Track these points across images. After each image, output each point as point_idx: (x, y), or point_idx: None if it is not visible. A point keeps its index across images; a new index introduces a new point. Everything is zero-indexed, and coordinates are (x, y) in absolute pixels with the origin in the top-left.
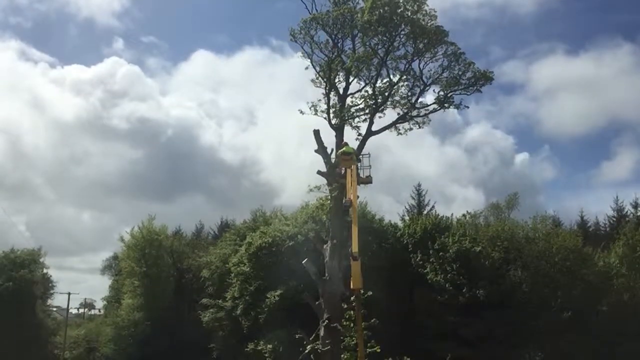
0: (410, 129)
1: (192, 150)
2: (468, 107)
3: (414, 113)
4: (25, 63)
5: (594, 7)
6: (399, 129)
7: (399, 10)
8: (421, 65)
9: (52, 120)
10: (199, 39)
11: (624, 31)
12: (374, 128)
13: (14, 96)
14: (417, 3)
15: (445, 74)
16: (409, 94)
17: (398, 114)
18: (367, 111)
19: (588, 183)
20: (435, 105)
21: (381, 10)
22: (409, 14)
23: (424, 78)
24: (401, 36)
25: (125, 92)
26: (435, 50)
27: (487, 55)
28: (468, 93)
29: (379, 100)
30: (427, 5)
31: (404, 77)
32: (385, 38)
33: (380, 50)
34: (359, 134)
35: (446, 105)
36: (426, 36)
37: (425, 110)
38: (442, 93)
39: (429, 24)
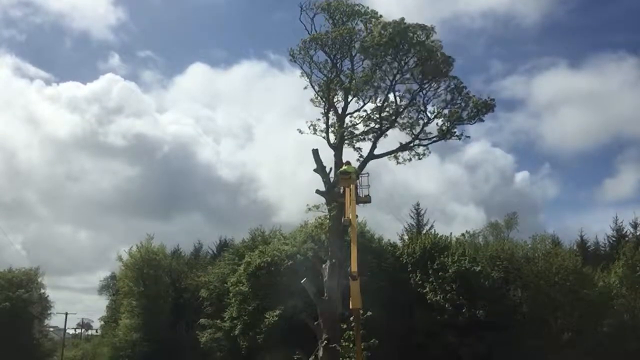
0: (410, 159)
1: (189, 167)
2: (469, 137)
3: (416, 143)
4: (20, 80)
5: (599, 21)
6: (399, 158)
7: (409, 37)
8: (425, 99)
9: (47, 138)
10: (195, 52)
11: (628, 46)
12: (375, 152)
13: (9, 113)
14: (426, 32)
15: (447, 110)
16: (412, 124)
17: (400, 143)
18: (370, 136)
19: (589, 201)
20: (436, 138)
21: (390, 31)
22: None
23: (427, 112)
24: (409, 60)
25: (121, 108)
26: (439, 84)
27: (488, 70)
28: (471, 123)
29: (384, 126)
30: (435, 33)
31: (408, 108)
32: (394, 61)
33: (388, 73)
34: (360, 156)
35: (448, 136)
36: (433, 60)
37: (427, 140)
38: (445, 125)
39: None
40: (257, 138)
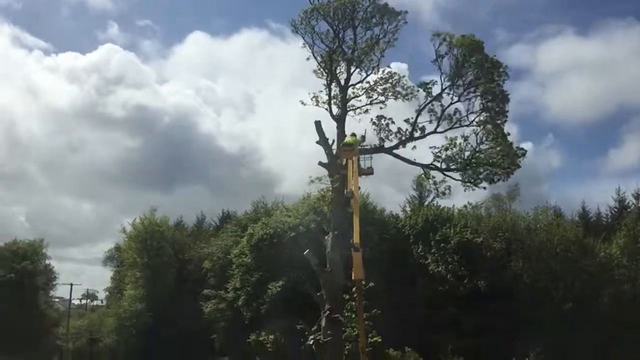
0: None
1: (190, 138)
2: (485, 189)
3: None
4: (19, 50)
5: None
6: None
7: None
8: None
9: (47, 108)
10: (194, 20)
11: (637, 12)
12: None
13: (7, 83)
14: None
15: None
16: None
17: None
18: (401, 138)
19: (593, 172)
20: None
21: None
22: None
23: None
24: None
25: (120, 79)
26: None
27: (493, 38)
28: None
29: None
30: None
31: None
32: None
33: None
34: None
35: (469, 184)
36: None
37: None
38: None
39: None
40: (259, 109)
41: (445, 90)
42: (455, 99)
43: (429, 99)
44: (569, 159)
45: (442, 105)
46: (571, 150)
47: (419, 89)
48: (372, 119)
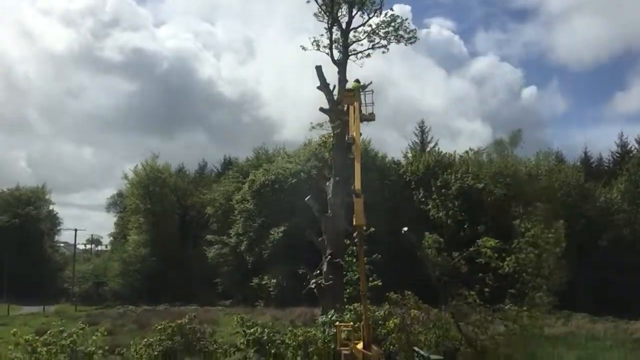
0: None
1: (189, 83)
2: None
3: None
4: None
5: None
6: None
7: None
8: None
9: (43, 53)
10: None
11: None
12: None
13: (1, 28)
14: None
15: None
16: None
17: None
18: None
19: (597, 117)
20: None
21: None
22: None
23: None
24: None
25: (116, 22)
26: None
27: None
28: None
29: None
30: None
31: None
32: None
33: None
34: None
35: None
36: None
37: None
38: None
39: None
40: (259, 53)
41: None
42: None
43: None
44: (574, 103)
45: None
46: (576, 94)
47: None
48: None
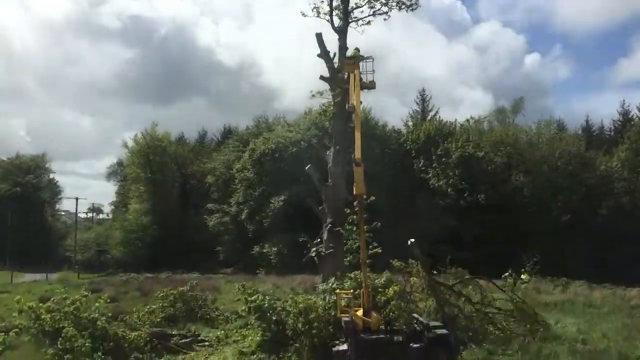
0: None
1: (188, 50)
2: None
3: None
4: None
5: None
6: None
7: None
8: None
9: (39, 20)
10: None
11: None
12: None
13: None
14: None
15: None
16: None
17: None
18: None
19: (600, 84)
20: None
21: None
22: None
23: None
24: None
25: None
26: None
27: None
28: None
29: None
30: None
31: None
32: None
33: None
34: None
35: None
36: None
37: None
38: None
39: None
40: (258, 19)
41: None
42: None
43: None
44: (577, 70)
45: None
46: (579, 61)
47: None
48: None
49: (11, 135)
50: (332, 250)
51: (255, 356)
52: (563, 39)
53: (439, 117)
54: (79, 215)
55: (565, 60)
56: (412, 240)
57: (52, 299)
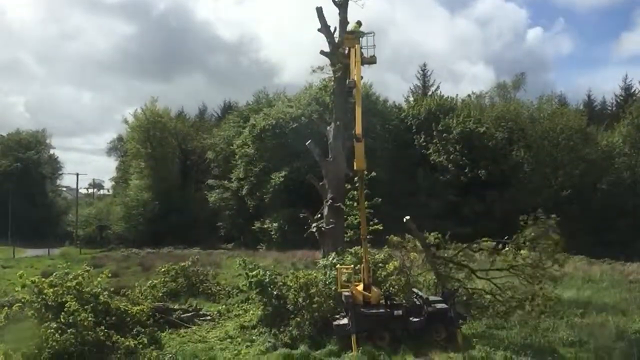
0: None
1: (187, 25)
2: None
3: None
4: None
5: None
6: None
7: None
8: None
9: None
10: None
11: None
12: None
13: None
14: None
15: None
16: None
17: None
18: None
19: (602, 59)
20: None
21: None
22: None
23: None
24: None
25: None
26: None
27: None
28: None
29: None
30: None
31: None
32: None
33: None
34: None
35: None
36: None
37: None
38: None
39: None
40: None
41: None
42: None
43: None
44: (579, 44)
45: None
46: (582, 35)
47: None
48: None
49: (10, 112)
50: (332, 225)
51: (256, 330)
52: (566, 12)
53: (440, 92)
54: (79, 191)
55: (568, 35)
56: (408, 217)
57: (54, 273)
